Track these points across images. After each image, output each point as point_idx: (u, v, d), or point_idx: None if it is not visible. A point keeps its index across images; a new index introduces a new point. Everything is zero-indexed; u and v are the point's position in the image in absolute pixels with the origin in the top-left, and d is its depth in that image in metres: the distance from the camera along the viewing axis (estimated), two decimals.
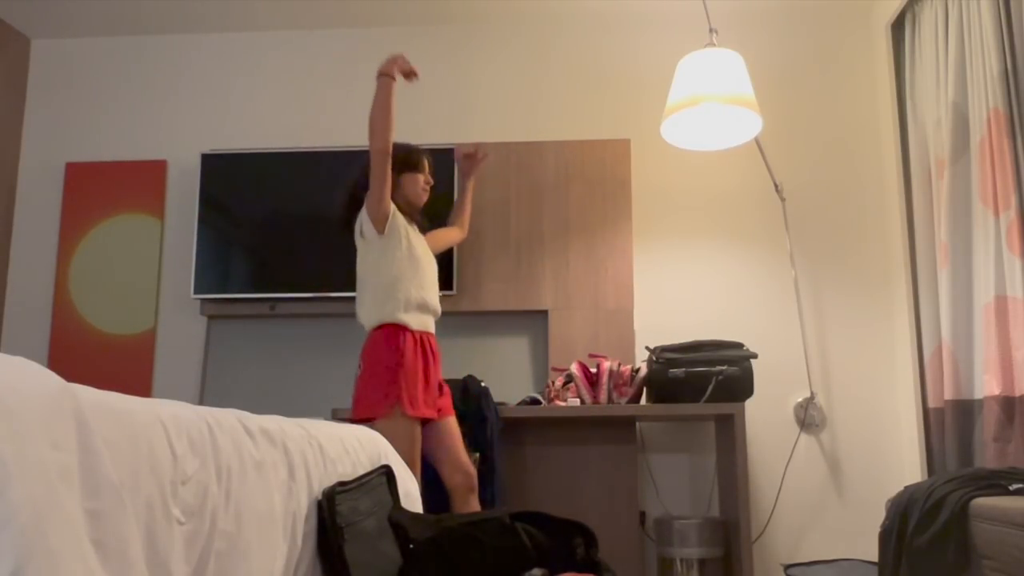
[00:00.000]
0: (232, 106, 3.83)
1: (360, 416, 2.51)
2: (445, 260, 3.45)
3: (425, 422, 2.60)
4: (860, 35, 3.66)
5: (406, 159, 2.72)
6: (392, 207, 2.62)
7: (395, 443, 2.45)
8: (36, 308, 3.73)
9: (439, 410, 2.63)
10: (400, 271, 2.60)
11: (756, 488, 3.39)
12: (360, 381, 2.56)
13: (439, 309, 2.71)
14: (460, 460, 2.64)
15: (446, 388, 2.72)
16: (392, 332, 2.56)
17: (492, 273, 3.50)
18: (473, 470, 2.65)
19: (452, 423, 2.68)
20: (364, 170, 2.64)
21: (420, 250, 2.68)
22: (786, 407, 3.43)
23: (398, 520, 1.75)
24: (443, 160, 3.54)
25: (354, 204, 2.69)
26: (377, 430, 2.47)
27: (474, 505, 2.64)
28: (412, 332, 2.58)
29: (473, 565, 1.62)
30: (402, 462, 2.28)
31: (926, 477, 3.01)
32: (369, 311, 2.59)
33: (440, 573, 1.62)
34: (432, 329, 2.68)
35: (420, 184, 2.75)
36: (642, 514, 3.27)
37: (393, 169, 2.63)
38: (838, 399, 3.42)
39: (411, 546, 1.69)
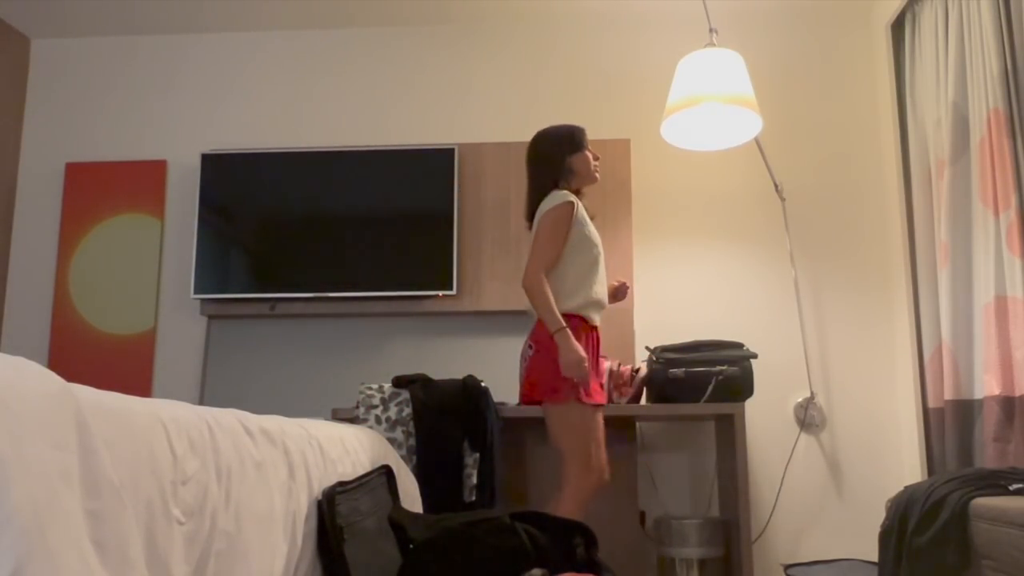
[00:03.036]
0: (232, 106, 3.83)
1: (536, 397, 2.56)
2: (445, 260, 3.45)
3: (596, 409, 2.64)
4: (860, 35, 3.66)
5: (574, 140, 2.75)
6: (572, 203, 2.64)
7: (572, 427, 2.52)
8: (36, 308, 3.73)
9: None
10: (584, 265, 2.65)
11: (756, 488, 3.39)
12: (533, 364, 2.59)
13: (606, 302, 2.75)
14: (602, 458, 2.68)
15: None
16: (572, 323, 2.59)
17: (492, 273, 3.50)
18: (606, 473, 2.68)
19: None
20: (535, 166, 2.77)
21: (598, 241, 2.71)
22: (786, 407, 3.43)
23: (398, 520, 1.75)
24: (442, 160, 3.54)
25: (538, 196, 2.74)
26: (551, 413, 2.55)
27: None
28: (588, 325, 2.64)
29: (473, 565, 1.62)
30: (401, 462, 2.28)
31: (926, 477, 3.01)
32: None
33: (440, 573, 1.62)
34: (599, 324, 2.73)
35: (590, 163, 2.75)
36: (642, 514, 3.27)
37: (562, 150, 2.72)
38: (838, 399, 3.42)
39: (411, 546, 1.69)
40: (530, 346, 2.63)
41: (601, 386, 2.68)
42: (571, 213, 2.62)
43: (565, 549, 1.70)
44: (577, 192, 2.77)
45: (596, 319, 2.69)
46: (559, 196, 2.64)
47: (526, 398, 2.62)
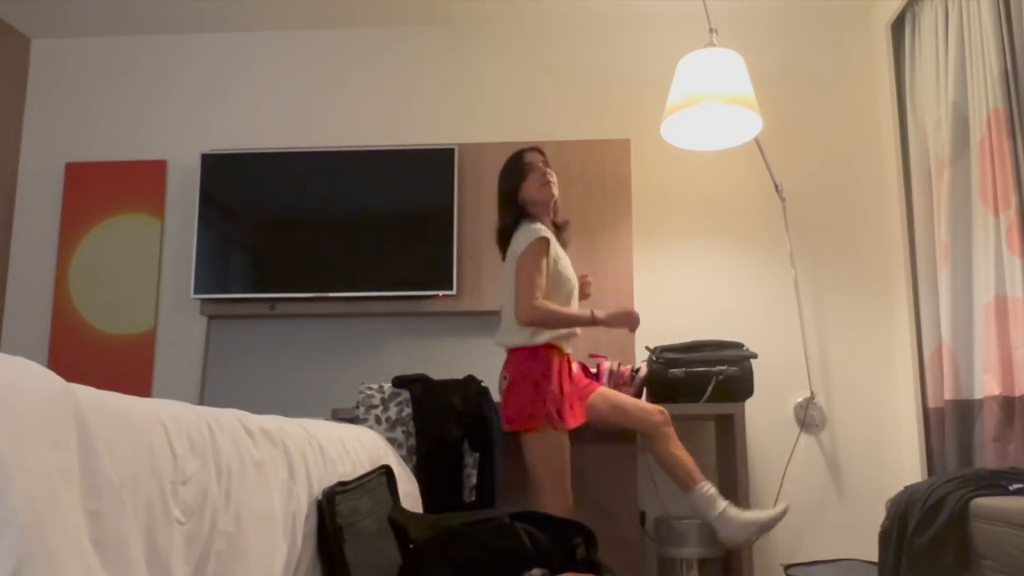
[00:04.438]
0: (232, 106, 3.83)
1: (515, 428, 2.56)
2: (445, 260, 3.45)
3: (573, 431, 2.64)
4: (860, 35, 3.66)
5: (517, 170, 2.69)
6: (547, 240, 2.58)
7: (547, 455, 2.51)
8: (36, 308, 3.73)
9: (586, 396, 2.68)
10: (560, 301, 2.62)
11: (756, 488, 3.38)
12: (507, 397, 2.59)
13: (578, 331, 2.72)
14: (642, 405, 2.68)
15: (587, 373, 2.77)
16: (544, 353, 2.57)
17: (492, 273, 3.50)
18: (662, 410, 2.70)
19: (608, 390, 2.74)
20: (498, 206, 2.74)
21: (571, 275, 2.68)
22: (786, 407, 3.43)
23: (398, 520, 1.75)
24: (443, 160, 3.54)
25: (505, 233, 2.69)
26: (528, 442, 2.54)
27: (675, 437, 2.66)
28: (560, 354, 2.62)
29: (473, 565, 1.62)
30: (401, 462, 2.28)
31: (926, 477, 3.01)
32: (519, 332, 2.58)
33: (440, 573, 1.62)
34: (571, 350, 2.70)
35: (537, 184, 2.67)
36: (642, 514, 3.27)
37: (511, 184, 2.68)
38: (838, 399, 3.42)
39: (411, 546, 1.69)
40: (504, 377, 2.61)
41: (582, 405, 2.66)
42: (547, 248, 2.57)
43: (565, 549, 1.70)
44: (544, 212, 2.71)
45: (568, 348, 2.67)
46: (532, 232, 2.56)
47: (507, 428, 2.61)
